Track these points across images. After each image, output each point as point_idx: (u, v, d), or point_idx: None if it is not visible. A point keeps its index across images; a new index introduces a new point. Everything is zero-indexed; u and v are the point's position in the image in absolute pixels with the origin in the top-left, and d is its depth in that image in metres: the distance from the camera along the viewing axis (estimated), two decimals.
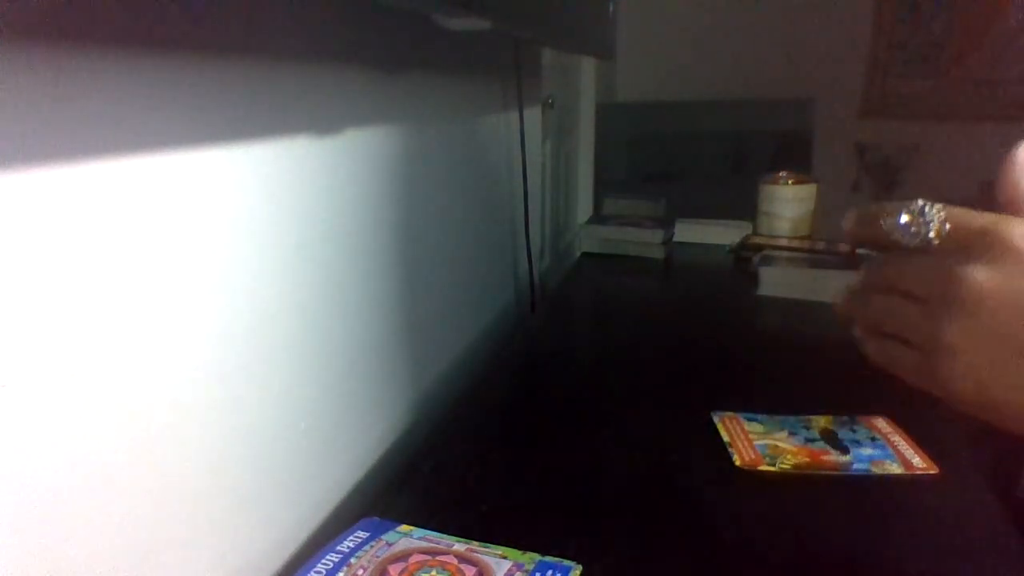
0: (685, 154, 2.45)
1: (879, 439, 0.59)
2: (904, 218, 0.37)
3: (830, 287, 1.00)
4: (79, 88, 0.32)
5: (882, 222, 0.38)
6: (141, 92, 0.35)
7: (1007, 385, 0.34)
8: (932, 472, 0.55)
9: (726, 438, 0.60)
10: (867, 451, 0.57)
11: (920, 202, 0.37)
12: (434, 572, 0.42)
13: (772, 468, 0.56)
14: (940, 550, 0.47)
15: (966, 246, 0.34)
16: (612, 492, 0.54)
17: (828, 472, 0.55)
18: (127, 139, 0.35)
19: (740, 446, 0.59)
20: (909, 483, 0.54)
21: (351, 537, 0.46)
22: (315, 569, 0.42)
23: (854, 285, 0.40)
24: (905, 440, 0.59)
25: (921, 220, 0.37)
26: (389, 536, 0.46)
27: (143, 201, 0.36)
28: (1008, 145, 0.37)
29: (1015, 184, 0.37)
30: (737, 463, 0.57)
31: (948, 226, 0.36)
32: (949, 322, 0.34)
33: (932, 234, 0.36)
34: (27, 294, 0.30)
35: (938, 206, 0.36)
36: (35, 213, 0.30)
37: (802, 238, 1.24)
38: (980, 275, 0.33)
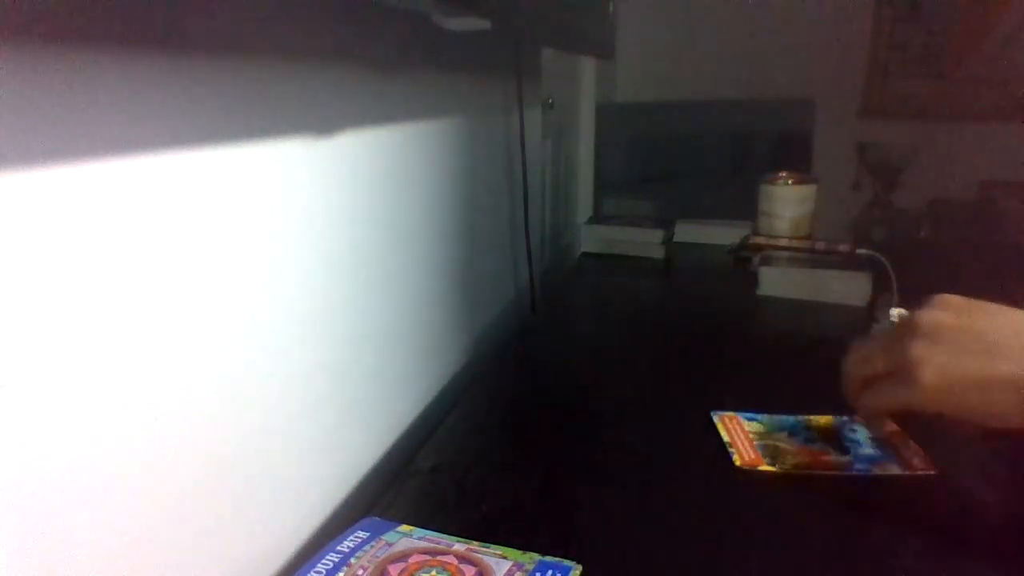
0: (685, 154, 2.45)
1: (879, 439, 0.59)
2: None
3: (830, 287, 1.00)
4: (77, 88, 0.32)
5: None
6: (138, 92, 0.35)
7: (963, 381, 0.46)
8: (932, 472, 0.55)
9: (726, 438, 0.60)
10: (867, 451, 0.57)
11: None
12: (434, 572, 0.42)
13: (772, 468, 0.56)
14: (940, 550, 0.47)
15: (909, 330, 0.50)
16: (612, 492, 0.54)
17: (828, 472, 0.55)
18: (123, 139, 0.35)
19: (740, 446, 0.59)
20: (909, 483, 0.54)
21: (351, 537, 0.46)
22: (315, 569, 0.42)
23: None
24: (905, 440, 0.59)
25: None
26: (389, 536, 0.46)
27: (141, 201, 0.36)
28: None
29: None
30: (737, 463, 0.57)
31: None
32: (913, 343, 0.48)
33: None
34: (30, 294, 0.30)
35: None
36: (33, 213, 0.30)
37: (802, 238, 1.24)
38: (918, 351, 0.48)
